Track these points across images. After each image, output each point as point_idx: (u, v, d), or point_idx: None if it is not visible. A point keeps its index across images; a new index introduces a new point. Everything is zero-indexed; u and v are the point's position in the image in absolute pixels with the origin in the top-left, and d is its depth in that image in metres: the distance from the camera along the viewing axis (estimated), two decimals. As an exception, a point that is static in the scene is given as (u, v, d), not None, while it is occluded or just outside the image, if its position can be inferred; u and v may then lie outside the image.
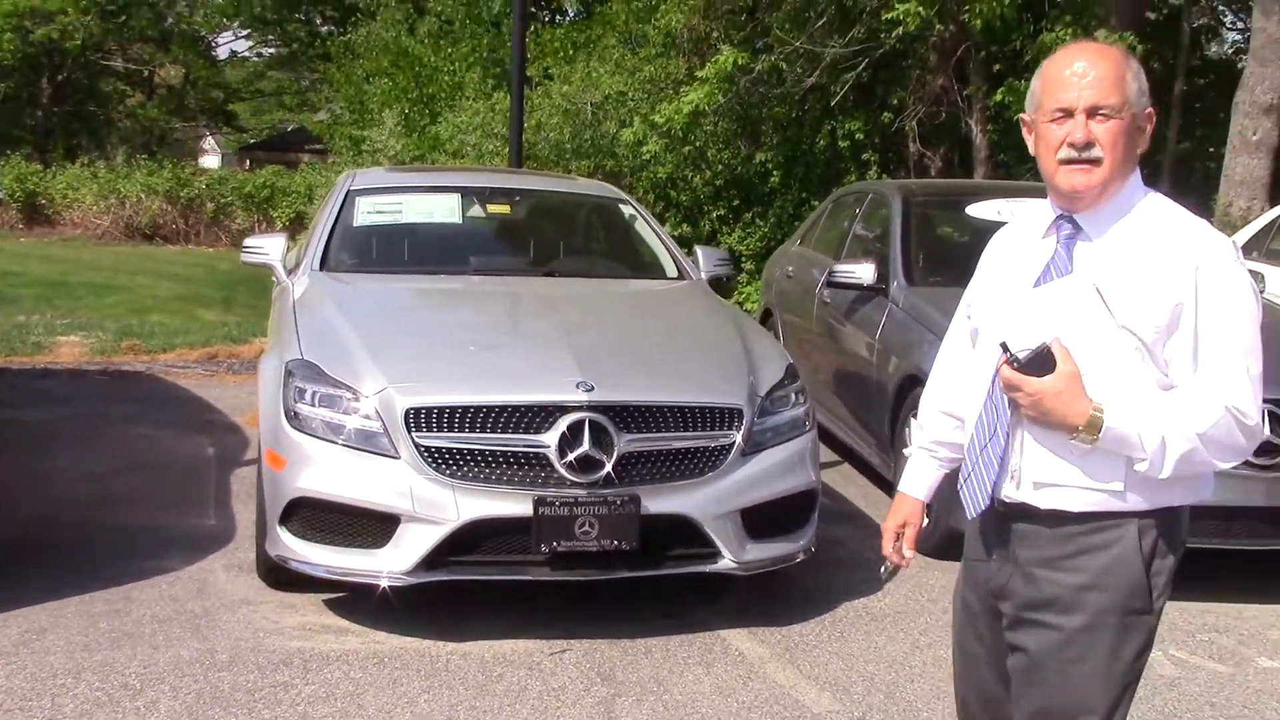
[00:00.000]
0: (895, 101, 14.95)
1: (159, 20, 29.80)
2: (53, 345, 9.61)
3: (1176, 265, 2.23)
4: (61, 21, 26.97)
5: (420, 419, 4.26)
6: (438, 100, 18.53)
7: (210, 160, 44.59)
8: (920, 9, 12.38)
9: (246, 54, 36.21)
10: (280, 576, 4.67)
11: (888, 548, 2.68)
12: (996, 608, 2.43)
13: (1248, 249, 8.83)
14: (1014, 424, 2.30)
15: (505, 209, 6.37)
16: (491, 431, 4.26)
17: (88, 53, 29.66)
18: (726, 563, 4.51)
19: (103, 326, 10.61)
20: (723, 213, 14.89)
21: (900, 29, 12.52)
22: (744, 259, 14.37)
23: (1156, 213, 2.32)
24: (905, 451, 2.64)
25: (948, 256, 6.92)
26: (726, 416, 4.51)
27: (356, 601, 4.62)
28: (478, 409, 4.27)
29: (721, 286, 6.52)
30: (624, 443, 4.30)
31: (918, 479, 2.68)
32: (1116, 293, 2.23)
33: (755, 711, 3.97)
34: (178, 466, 6.46)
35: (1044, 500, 2.29)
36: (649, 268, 6.20)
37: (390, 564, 4.27)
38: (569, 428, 4.25)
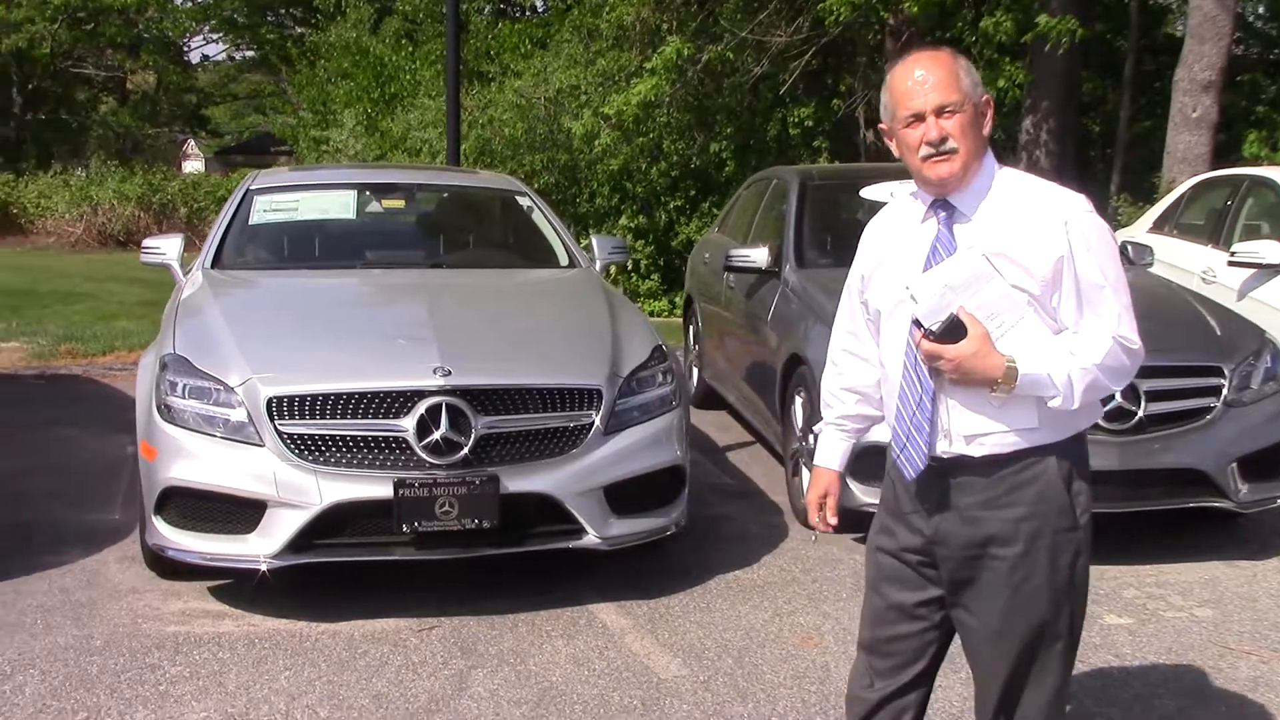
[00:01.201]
0: (844, 88, 15.12)
1: (129, 26, 29.87)
2: (-8, 351, 9.77)
3: (1048, 224, 2.54)
4: (29, 31, 27.11)
5: (282, 407, 4.41)
6: (399, 99, 18.68)
7: (194, 165, 44.67)
8: (852, -1, 12.58)
9: (219, 58, 36.36)
10: (168, 566, 4.81)
11: (813, 518, 3.01)
12: (922, 554, 2.70)
13: (1160, 223, 8.98)
14: (939, 390, 2.59)
15: (400, 204, 6.52)
16: (352, 418, 4.41)
17: (58, 61, 29.79)
18: (590, 539, 4.66)
19: (46, 332, 10.75)
20: (680, 203, 15.03)
21: (836, 16, 12.66)
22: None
23: (1016, 183, 2.64)
24: (815, 429, 2.99)
25: (840, 239, 7.05)
26: (584, 397, 4.66)
27: (239, 587, 4.77)
28: (338, 396, 4.42)
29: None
30: (482, 425, 4.45)
31: (830, 452, 2.99)
32: (1003, 259, 2.52)
33: (605, 679, 4.12)
34: (94, 465, 6.61)
35: (977, 450, 2.59)
36: (541, 257, 6.34)
37: (258, 549, 4.42)
38: (427, 411, 4.40)
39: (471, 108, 15.05)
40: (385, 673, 4.14)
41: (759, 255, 6.58)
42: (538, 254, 6.39)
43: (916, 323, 2.52)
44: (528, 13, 23.25)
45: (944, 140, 2.55)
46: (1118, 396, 4.95)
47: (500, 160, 14.55)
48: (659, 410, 4.91)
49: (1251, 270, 7.32)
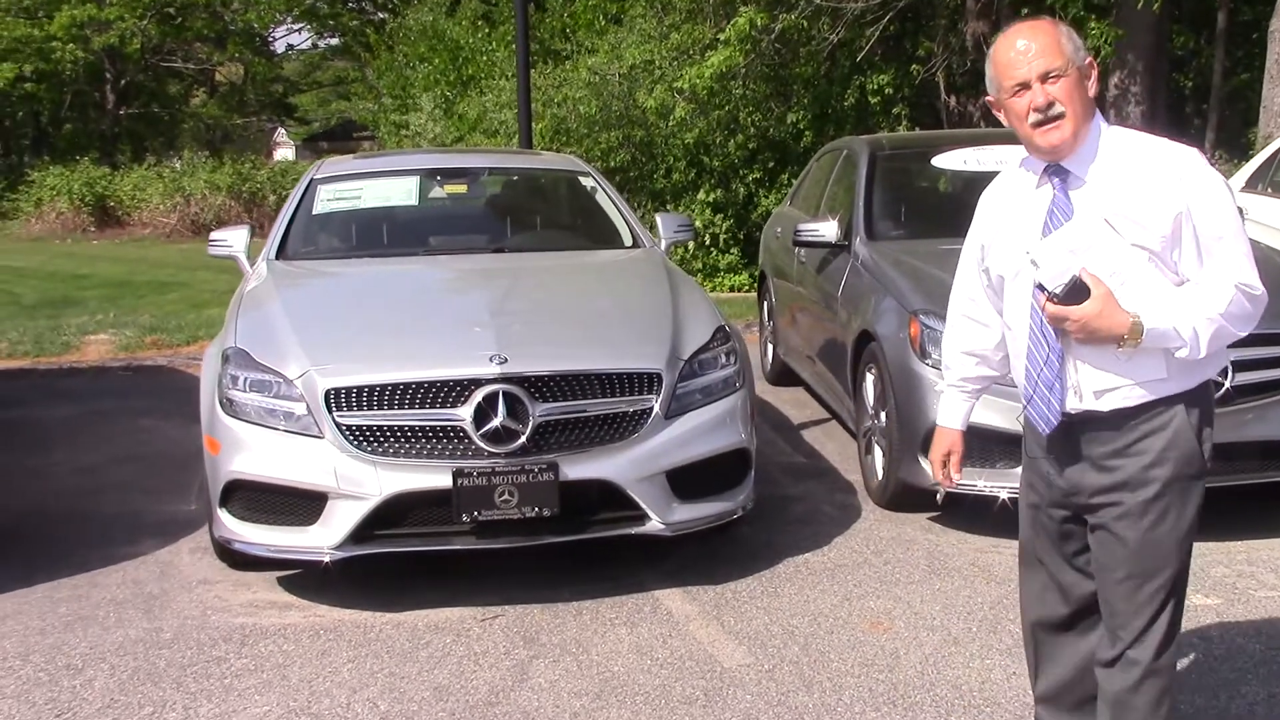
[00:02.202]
0: (922, 53, 14.77)
1: (214, 20, 30.37)
2: (81, 344, 9.97)
3: (1164, 180, 2.62)
4: (120, 27, 27.68)
5: (340, 399, 4.40)
6: (476, 81, 18.71)
7: (284, 153, 45.43)
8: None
9: (303, 47, 36.84)
10: (237, 557, 4.84)
11: (937, 474, 3.16)
12: (1062, 506, 2.85)
13: (1253, 181, 8.62)
14: (1067, 349, 2.69)
15: (462, 188, 6.49)
16: (409, 408, 4.39)
17: (148, 56, 30.40)
18: (654, 525, 4.59)
19: (134, 323, 10.96)
20: (758, 175, 14.83)
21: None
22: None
23: (1127, 142, 2.71)
24: (936, 388, 3.19)
25: (913, 210, 6.88)
26: (643, 381, 4.58)
27: (306, 577, 4.79)
28: (395, 386, 4.40)
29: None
30: (539, 412, 4.40)
31: (952, 412, 3.13)
32: (1121, 219, 2.61)
33: (667, 668, 4.06)
34: (173, 456, 6.70)
35: (1106, 404, 2.69)
36: (605, 238, 6.27)
37: (321, 540, 4.42)
38: (484, 399, 4.36)
39: (546, 87, 14.99)
40: (447, 664, 4.12)
41: (828, 229, 6.44)
42: (601, 235, 6.32)
43: (1040, 287, 2.59)
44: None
45: (1051, 105, 2.63)
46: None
47: (576, 139, 14.47)
48: (722, 392, 4.82)
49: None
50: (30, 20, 27.64)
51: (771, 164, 14.91)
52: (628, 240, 6.20)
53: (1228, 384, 4.85)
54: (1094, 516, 2.78)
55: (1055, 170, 2.71)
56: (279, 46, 38.35)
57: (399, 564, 4.77)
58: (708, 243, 14.38)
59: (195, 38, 31.55)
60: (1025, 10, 13.84)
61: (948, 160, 6.69)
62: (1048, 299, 2.59)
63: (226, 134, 35.08)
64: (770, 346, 8.28)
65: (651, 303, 5.17)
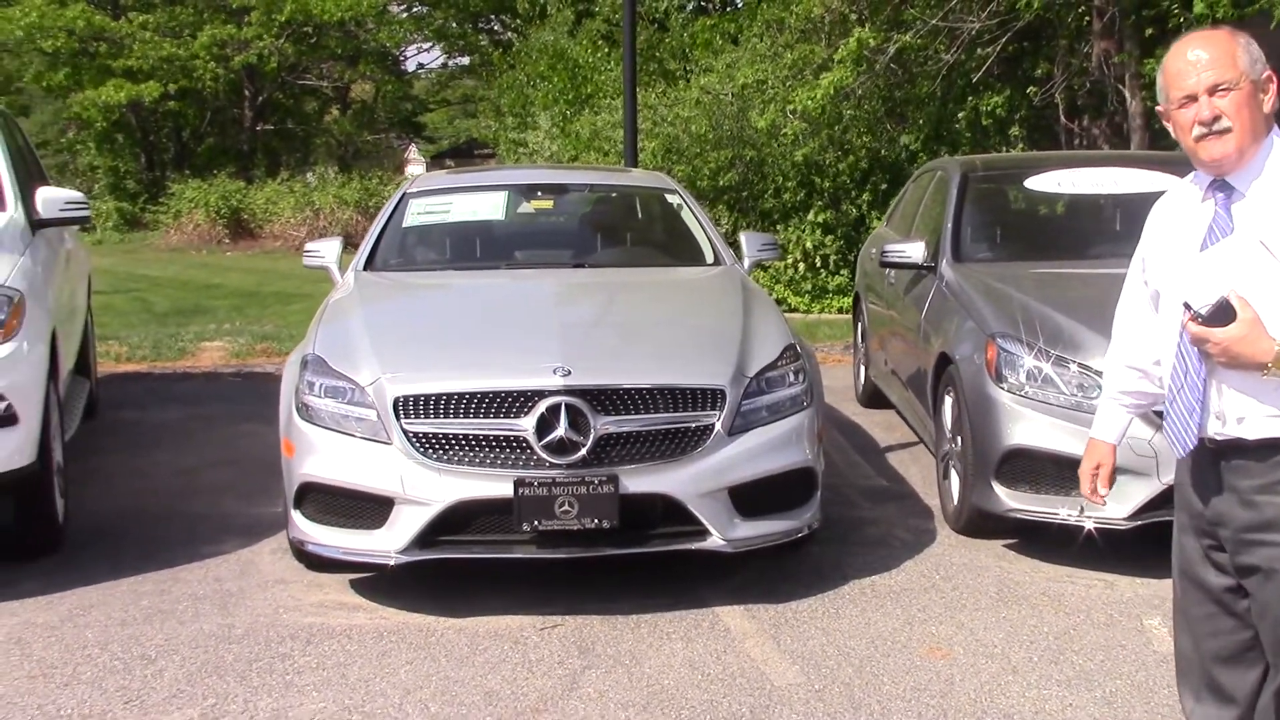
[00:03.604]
0: (1039, 74, 14.50)
1: (348, 39, 31.27)
2: (196, 350, 10.36)
3: None
4: (258, 47, 28.69)
5: (408, 406, 4.51)
6: (595, 100, 18.92)
7: (415, 169, 46.55)
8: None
9: (433, 66, 37.70)
10: (313, 558, 4.99)
11: (1085, 488, 3.06)
12: (1208, 536, 2.73)
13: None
14: (1209, 371, 2.61)
15: (548, 204, 6.59)
16: (474, 417, 4.48)
17: (284, 74, 31.42)
18: (715, 541, 4.60)
19: (248, 331, 11.34)
20: (870, 197, 14.71)
21: (1030, 2, 12.20)
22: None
23: None
24: (1091, 398, 3.10)
25: (1002, 232, 6.77)
26: (707, 397, 4.60)
27: (377, 580, 4.91)
28: (460, 395, 4.50)
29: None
30: (601, 424, 4.44)
31: (1108, 425, 3.06)
32: (1277, 239, 2.52)
33: (718, 684, 4.06)
34: (267, 461, 6.87)
35: (1251, 432, 2.59)
36: (688, 255, 6.30)
37: (387, 544, 4.53)
38: (547, 410, 4.43)
39: (658, 106, 15.10)
40: (502, 670, 4.18)
41: (915, 250, 6.37)
42: (684, 252, 6.36)
43: (1186, 305, 2.55)
44: (726, 8, 23.21)
45: (1217, 119, 2.57)
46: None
47: (686, 159, 14.53)
48: (789, 410, 4.81)
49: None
50: (175, 40, 28.81)
51: (884, 186, 14.77)
52: (709, 258, 6.23)
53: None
54: (1245, 556, 2.66)
55: (1220, 185, 2.65)
56: (409, 65, 39.32)
57: (464, 570, 4.85)
58: (818, 264, 14.30)
59: (329, 56, 32.50)
60: (1150, 31, 13.58)
61: (1042, 182, 6.57)
62: (1191, 318, 2.53)
63: (358, 150, 36.04)
64: (862, 368, 8.21)
65: (721, 319, 5.18)
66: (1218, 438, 2.64)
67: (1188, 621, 2.87)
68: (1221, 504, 2.68)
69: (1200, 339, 2.53)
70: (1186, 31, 2.78)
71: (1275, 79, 2.63)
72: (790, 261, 14.10)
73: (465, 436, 4.49)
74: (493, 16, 32.83)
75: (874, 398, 7.92)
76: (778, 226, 14.45)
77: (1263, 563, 2.62)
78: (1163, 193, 2.91)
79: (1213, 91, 2.56)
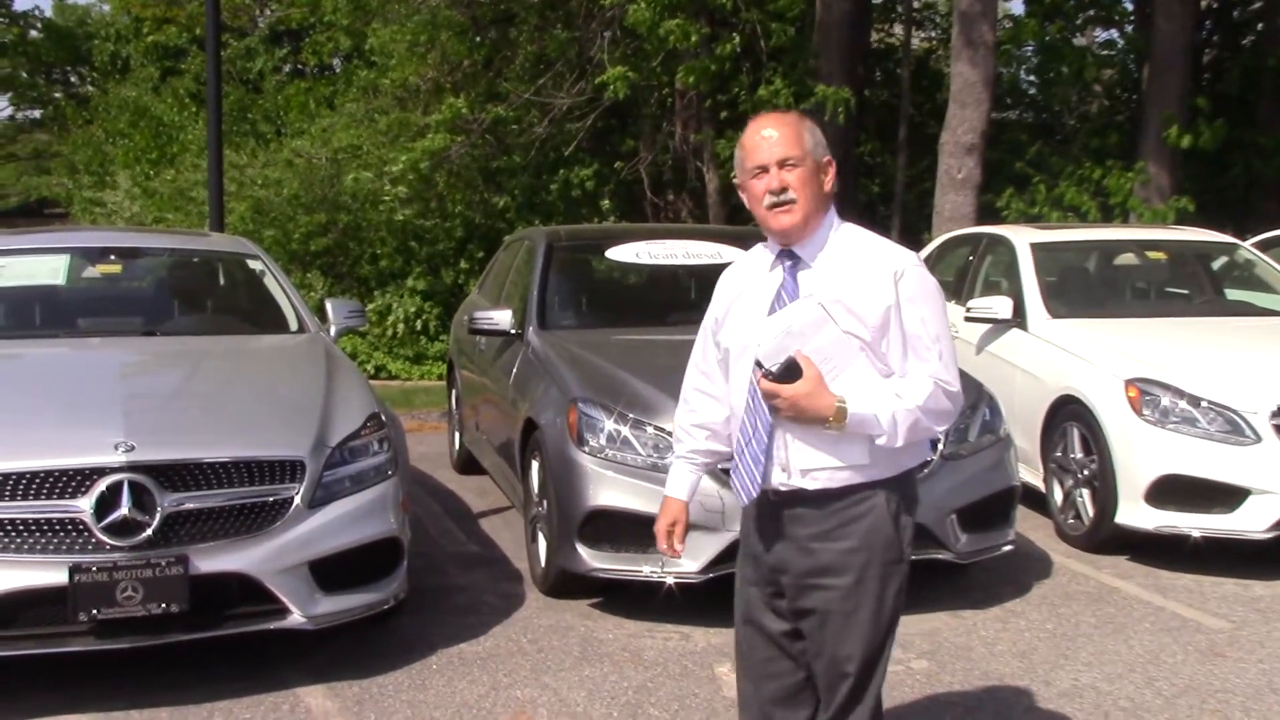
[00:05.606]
0: (626, 149, 15.27)
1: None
2: None
3: (880, 276, 2.83)
4: None
5: (-51, 490, 4.08)
6: (181, 159, 18.07)
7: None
8: (629, 74, 12.91)
9: (1, 118, 34.71)
10: None
11: (662, 545, 3.18)
12: (770, 583, 2.96)
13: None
14: (777, 425, 2.83)
15: (117, 269, 6.20)
16: (23, 499, 4.11)
17: None
18: (295, 619, 4.43)
19: None
20: (467, 266, 14.84)
21: (615, 91, 12.97)
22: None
23: (854, 238, 2.94)
24: (667, 459, 3.15)
25: (587, 300, 7.04)
26: (284, 469, 4.45)
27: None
28: (8, 476, 4.12)
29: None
30: (169, 502, 4.20)
31: (679, 483, 3.19)
32: (838, 307, 2.79)
33: (297, 769, 3.90)
34: None
35: (811, 483, 2.84)
36: (270, 323, 6.10)
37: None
38: (108, 489, 4.13)
39: (246, 167, 14.64)
40: (54, 776, 3.83)
41: (503, 317, 6.48)
42: (265, 319, 6.15)
43: (758, 363, 2.78)
44: (324, 73, 22.88)
45: (784, 190, 2.84)
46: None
47: (277, 222, 14.14)
48: (373, 480, 4.74)
49: (987, 325, 7.57)
50: None
51: (480, 254, 14.96)
52: (293, 325, 6.06)
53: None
54: (802, 600, 2.89)
55: (788, 255, 2.91)
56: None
57: (16, 670, 4.41)
58: (418, 329, 14.26)
59: None
60: (725, 114, 14.64)
61: (622, 253, 6.88)
62: (763, 375, 2.75)
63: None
64: (457, 434, 8.24)
65: (302, 388, 5.04)
66: (781, 488, 2.86)
67: (748, 666, 3.10)
68: (783, 551, 2.90)
69: (770, 394, 2.76)
70: (754, 115, 3.09)
71: (834, 163, 2.94)
72: (389, 325, 13.99)
73: (15, 521, 4.10)
74: (68, 68, 30.75)
75: (468, 463, 7.94)
76: (375, 293, 14.32)
77: (818, 605, 2.87)
78: (731, 263, 3.17)
79: (782, 165, 2.84)
